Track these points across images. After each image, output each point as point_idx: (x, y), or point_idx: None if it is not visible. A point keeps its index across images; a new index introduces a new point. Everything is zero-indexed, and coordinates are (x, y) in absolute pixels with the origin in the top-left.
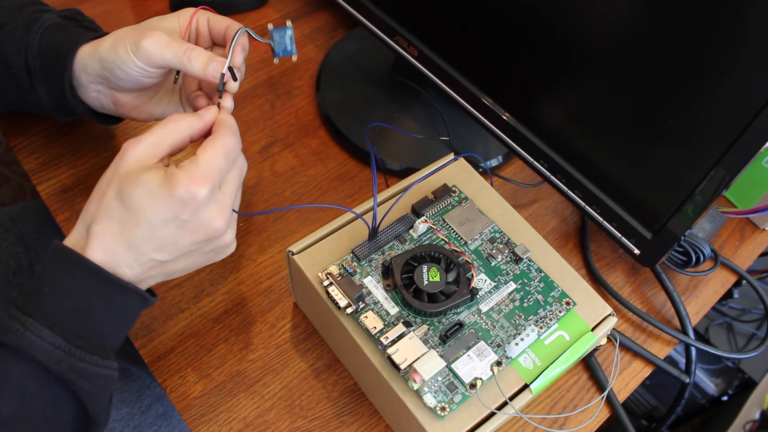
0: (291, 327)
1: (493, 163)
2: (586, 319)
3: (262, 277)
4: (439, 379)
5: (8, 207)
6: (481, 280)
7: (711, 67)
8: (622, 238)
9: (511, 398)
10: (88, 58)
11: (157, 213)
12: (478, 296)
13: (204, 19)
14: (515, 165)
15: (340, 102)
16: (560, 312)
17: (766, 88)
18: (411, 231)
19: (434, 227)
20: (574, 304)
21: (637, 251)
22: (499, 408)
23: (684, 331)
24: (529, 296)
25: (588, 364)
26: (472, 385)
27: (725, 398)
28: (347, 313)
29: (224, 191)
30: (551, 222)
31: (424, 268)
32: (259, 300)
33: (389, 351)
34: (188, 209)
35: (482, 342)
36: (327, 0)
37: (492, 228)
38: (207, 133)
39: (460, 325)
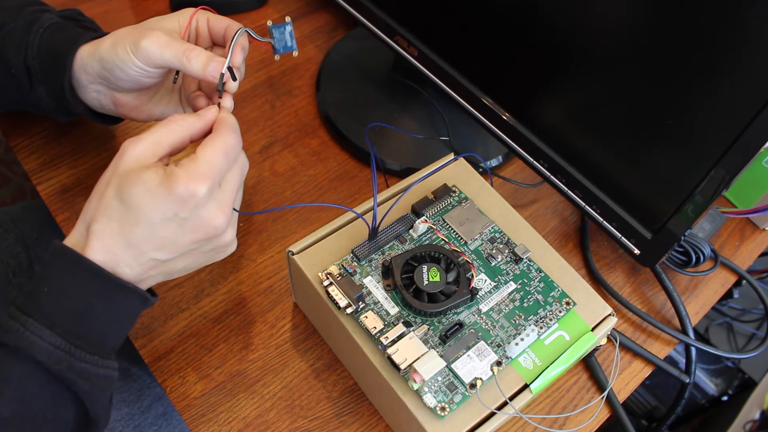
0: (291, 327)
1: (493, 163)
2: (586, 319)
3: (262, 277)
4: (439, 379)
5: (8, 207)
6: (481, 280)
7: (711, 67)
8: (622, 238)
9: (511, 398)
10: (88, 58)
11: (157, 211)
12: (478, 296)
13: (204, 19)
14: (515, 165)
15: (340, 102)
16: (560, 312)
17: (766, 88)
18: (411, 231)
19: (434, 227)
20: (574, 304)
21: (637, 251)
22: (499, 408)
23: (684, 331)
24: (529, 296)
25: (588, 364)
26: (472, 385)
27: (725, 398)
28: (347, 313)
29: (224, 189)
30: (551, 222)
31: (424, 268)
32: (259, 300)
33: (389, 351)
34: (188, 207)
35: (482, 342)
36: (327, 0)
37: (492, 228)
38: (207, 133)
39: (460, 325)
